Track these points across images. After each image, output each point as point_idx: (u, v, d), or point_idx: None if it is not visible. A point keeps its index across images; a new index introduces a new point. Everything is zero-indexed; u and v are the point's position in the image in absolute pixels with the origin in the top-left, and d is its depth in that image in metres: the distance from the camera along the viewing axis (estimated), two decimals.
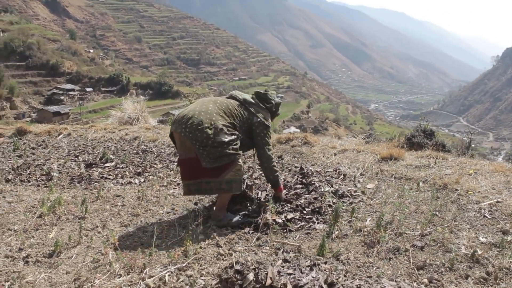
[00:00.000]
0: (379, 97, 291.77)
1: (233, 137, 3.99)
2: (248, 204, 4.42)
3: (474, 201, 4.36)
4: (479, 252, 3.24)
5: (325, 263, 3.02)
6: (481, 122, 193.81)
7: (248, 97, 4.41)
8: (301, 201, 4.37)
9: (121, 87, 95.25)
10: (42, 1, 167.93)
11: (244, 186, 4.63)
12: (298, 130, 66.25)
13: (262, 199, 4.46)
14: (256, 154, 4.43)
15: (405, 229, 3.76)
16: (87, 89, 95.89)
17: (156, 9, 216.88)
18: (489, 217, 4.01)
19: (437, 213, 4.10)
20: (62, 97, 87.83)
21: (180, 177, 4.74)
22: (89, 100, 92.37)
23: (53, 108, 75.41)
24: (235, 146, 3.99)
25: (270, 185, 4.64)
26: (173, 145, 5.17)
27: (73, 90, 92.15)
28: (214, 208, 4.26)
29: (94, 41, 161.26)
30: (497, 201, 4.29)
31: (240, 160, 4.06)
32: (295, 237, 3.79)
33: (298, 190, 4.71)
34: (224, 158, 3.91)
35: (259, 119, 4.28)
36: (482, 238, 3.56)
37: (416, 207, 4.27)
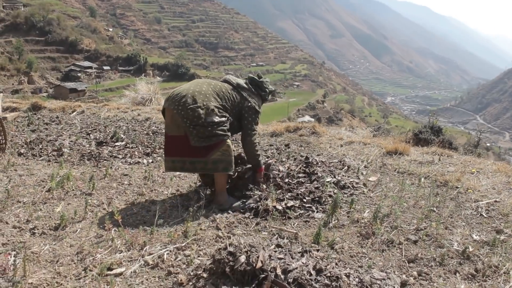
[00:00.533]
0: (396, 90, 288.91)
1: (223, 118, 4.10)
2: (250, 192, 4.49)
3: (472, 199, 4.42)
4: (470, 249, 3.31)
5: (318, 250, 3.11)
6: (498, 121, 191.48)
7: (241, 82, 4.52)
8: (302, 190, 4.44)
9: (138, 67, 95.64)
10: None
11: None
12: (313, 120, 66.09)
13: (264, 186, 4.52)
14: (241, 137, 4.55)
15: (401, 222, 3.83)
16: (105, 68, 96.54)
17: None
18: (485, 215, 4.07)
19: (435, 209, 4.16)
20: (79, 74, 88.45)
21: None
22: (106, 78, 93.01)
23: (70, 85, 75.89)
24: (224, 127, 4.10)
25: (272, 170, 4.73)
26: None
27: (90, 67, 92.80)
28: (215, 192, 4.36)
29: (114, 20, 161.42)
30: (495, 201, 4.35)
31: (228, 141, 4.17)
32: (294, 224, 3.87)
33: (300, 179, 4.77)
34: (212, 138, 4.03)
35: (250, 104, 4.41)
36: (476, 236, 3.63)
37: (414, 202, 4.33)
